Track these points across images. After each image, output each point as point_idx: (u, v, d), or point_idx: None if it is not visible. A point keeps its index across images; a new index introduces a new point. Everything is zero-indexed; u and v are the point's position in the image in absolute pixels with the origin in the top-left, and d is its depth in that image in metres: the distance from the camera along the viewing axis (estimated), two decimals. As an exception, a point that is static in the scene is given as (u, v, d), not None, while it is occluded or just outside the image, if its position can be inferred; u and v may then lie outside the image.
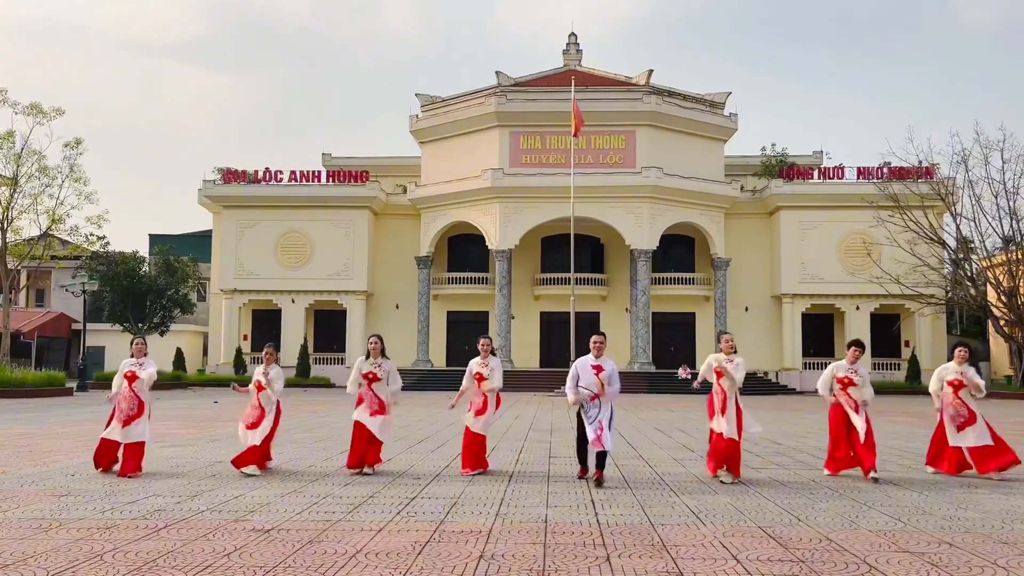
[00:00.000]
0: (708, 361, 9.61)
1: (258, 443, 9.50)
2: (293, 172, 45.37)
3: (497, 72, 44.86)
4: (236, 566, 5.20)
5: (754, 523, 6.69)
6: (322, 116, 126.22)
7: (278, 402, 9.85)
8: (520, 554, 5.55)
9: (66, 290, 40.40)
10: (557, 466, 10.40)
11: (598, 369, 8.83)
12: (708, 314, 44.99)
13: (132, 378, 9.54)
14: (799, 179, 44.73)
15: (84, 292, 35.89)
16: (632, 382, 40.08)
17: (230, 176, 45.18)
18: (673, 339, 45.03)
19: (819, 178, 45.02)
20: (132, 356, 9.73)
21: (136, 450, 9.35)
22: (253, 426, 9.53)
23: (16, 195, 29.14)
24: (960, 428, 9.52)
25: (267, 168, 45.26)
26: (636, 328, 42.69)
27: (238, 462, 9.45)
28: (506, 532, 6.26)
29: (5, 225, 29.33)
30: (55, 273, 49.23)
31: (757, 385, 40.43)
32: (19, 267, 32.67)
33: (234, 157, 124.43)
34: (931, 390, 9.89)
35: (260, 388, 9.67)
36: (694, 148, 44.31)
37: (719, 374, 9.27)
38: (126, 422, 9.31)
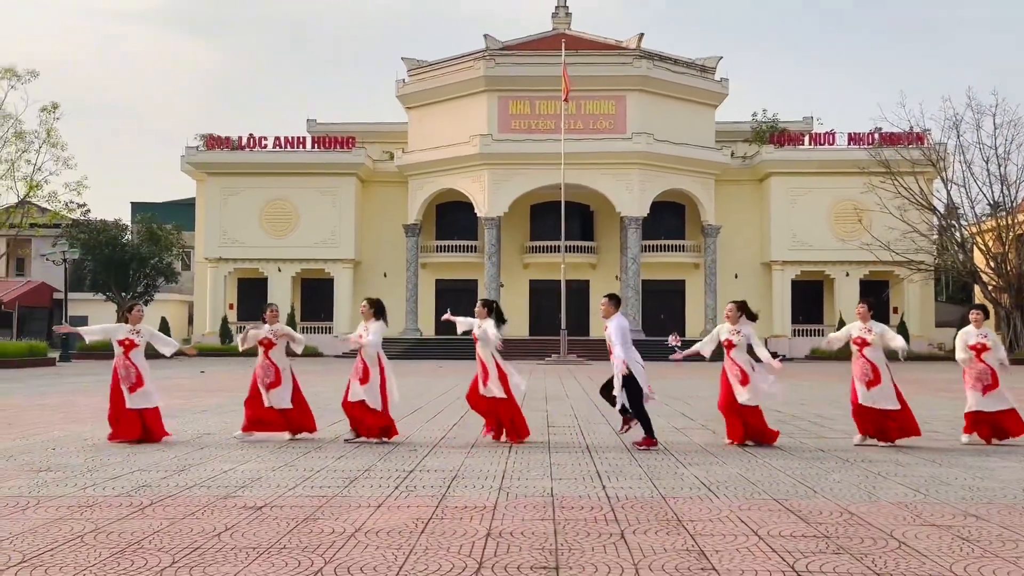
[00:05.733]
0: (716, 331, 9.53)
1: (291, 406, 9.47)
2: (277, 138, 44.56)
3: (485, 35, 44.04)
4: (227, 547, 4.86)
5: (768, 495, 6.42)
6: (306, 81, 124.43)
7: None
8: (529, 531, 5.24)
9: (47, 259, 39.63)
10: (557, 435, 10.11)
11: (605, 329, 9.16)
12: (698, 281, 44.80)
13: (131, 346, 9.26)
14: (790, 145, 44.37)
15: (65, 261, 35.20)
16: (622, 350, 39.97)
17: (213, 143, 44.34)
18: (663, 307, 44.85)
19: (810, 144, 44.67)
20: (128, 323, 9.43)
21: (154, 415, 9.41)
22: (273, 385, 9.40)
23: (-8, 161, 28.38)
24: (985, 392, 9.28)
25: (251, 134, 44.44)
26: (626, 296, 42.40)
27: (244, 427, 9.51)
28: (512, 507, 5.95)
29: (-18, 192, 28.57)
30: (35, 242, 48.36)
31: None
32: (-3, 235, 31.96)
33: (217, 124, 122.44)
34: (958, 358, 9.57)
35: (269, 346, 9.49)
36: (685, 114, 43.80)
37: (729, 345, 9.31)
38: (132, 389, 9.21)
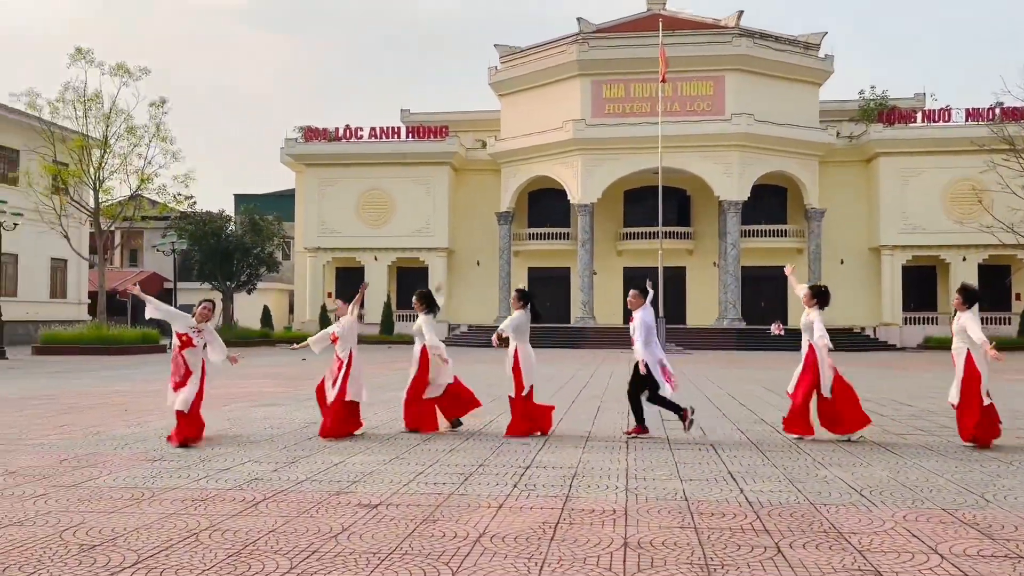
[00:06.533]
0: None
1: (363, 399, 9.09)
2: (373, 129, 44.96)
3: (578, 19, 43.24)
4: (346, 551, 4.53)
5: (933, 503, 5.71)
6: (401, 72, 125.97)
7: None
8: (671, 541, 4.73)
9: (157, 250, 41.20)
10: (675, 430, 9.53)
11: (631, 319, 9.02)
12: (801, 267, 42.92)
13: (187, 343, 8.42)
14: (900, 123, 41.96)
15: (174, 251, 36.42)
16: (721, 339, 38.79)
17: (311, 134, 45.09)
18: (764, 294, 43.25)
19: (923, 121, 42.12)
20: (194, 318, 8.52)
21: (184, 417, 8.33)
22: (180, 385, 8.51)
23: (106, 156, 29.43)
24: None
25: (347, 126, 44.99)
26: (725, 282, 41.17)
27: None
28: (645, 512, 5.45)
29: (97, 186, 29.71)
30: (147, 233, 50.41)
31: (853, 341, 38.60)
32: (112, 228, 33.26)
33: (315, 117, 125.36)
34: None
35: (335, 341, 9.12)
36: (787, 93, 41.99)
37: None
38: (176, 387, 8.37)
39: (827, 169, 42.65)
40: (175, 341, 8.49)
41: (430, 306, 9.51)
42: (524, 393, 9.04)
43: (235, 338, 37.70)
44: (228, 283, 40.06)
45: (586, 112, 41.53)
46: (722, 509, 5.54)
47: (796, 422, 8.74)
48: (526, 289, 9.75)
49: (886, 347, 39.36)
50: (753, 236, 42.74)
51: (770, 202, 43.73)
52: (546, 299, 45.55)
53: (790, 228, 43.54)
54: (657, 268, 36.33)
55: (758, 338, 37.03)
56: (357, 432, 8.99)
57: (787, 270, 9.87)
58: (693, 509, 5.53)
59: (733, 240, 40.92)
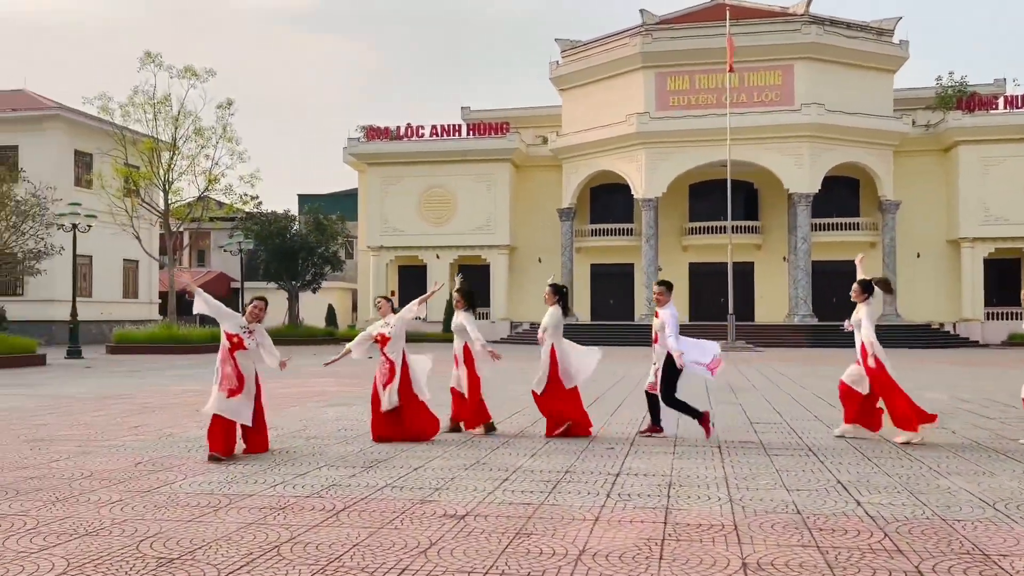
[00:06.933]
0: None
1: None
2: (434, 127, 44.97)
3: (641, 10, 42.41)
4: (438, 569, 4.17)
5: (1082, 521, 5.10)
6: (460, 70, 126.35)
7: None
8: (794, 562, 4.26)
9: (224, 250, 41.82)
10: (768, 434, 8.98)
11: (656, 316, 8.63)
12: (875, 261, 41.43)
13: (238, 345, 7.49)
14: (981, 110, 40.17)
15: (241, 251, 36.90)
16: (792, 336, 37.61)
17: (373, 133, 45.31)
18: (835, 289, 41.79)
19: (1005, 108, 40.26)
20: (245, 317, 7.65)
21: (246, 431, 7.67)
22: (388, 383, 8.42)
23: (175, 158, 29.92)
24: None
25: (408, 124, 45.09)
26: (795, 278, 39.99)
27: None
28: (757, 527, 4.97)
29: (167, 187, 30.23)
30: (214, 234, 51.35)
31: (932, 337, 37.09)
32: (181, 229, 33.83)
33: (377, 116, 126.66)
34: None
35: (384, 342, 8.60)
36: (859, 81, 40.54)
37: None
38: (230, 394, 7.44)
39: (902, 159, 41.08)
40: (224, 343, 7.52)
41: (471, 302, 9.23)
42: (569, 387, 8.75)
43: (300, 337, 38.08)
44: (293, 282, 40.44)
45: (650, 105, 40.77)
46: (842, 524, 5.02)
47: (902, 420, 8.20)
48: (561, 284, 9.32)
49: (967, 344, 37.73)
50: (824, 230, 41.43)
51: (842, 194, 42.31)
52: (609, 296, 44.99)
53: (863, 221, 42.07)
54: (726, 263, 35.50)
55: (832, 335, 35.78)
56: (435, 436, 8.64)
57: (857, 259, 9.39)
58: (809, 524, 5.03)
59: (803, 234, 39.71)
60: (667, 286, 8.70)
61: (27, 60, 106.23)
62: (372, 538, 4.76)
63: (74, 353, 25.50)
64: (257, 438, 7.74)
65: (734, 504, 5.57)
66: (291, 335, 38.11)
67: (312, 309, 46.44)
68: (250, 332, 7.56)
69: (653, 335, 8.57)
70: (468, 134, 45.05)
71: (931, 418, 8.14)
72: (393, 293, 45.77)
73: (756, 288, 42.89)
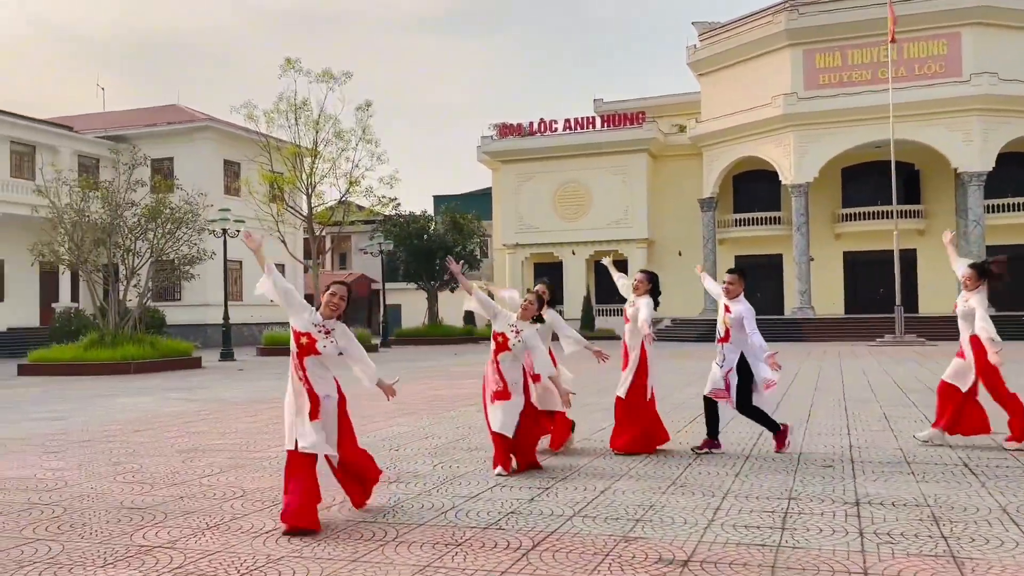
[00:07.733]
0: None
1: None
2: (567, 121, 44.05)
3: (785, -15, 39.87)
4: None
5: None
6: (592, 62, 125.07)
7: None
8: None
9: (364, 252, 42.39)
10: (928, 451, 7.43)
11: (726, 310, 7.28)
12: (1059, 245, 37.33)
13: (309, 348, 5.18)
14: None
15: (381, 253, 37.19)
16: (966, 328, 34.23)
17: (506, 130, 44.85)
18: (1016, 275, 37.93)
19: None
20: (319, 313, 5.25)
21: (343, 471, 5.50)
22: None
23: (317, 161, 30.30)
24: None
25: (541, 119, 44.35)
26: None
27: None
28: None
29: (310, 192, 30.66)
30: (354, 237, 52.39)
31: None
32: (324, 232, 34.34)
33: (509, 114, 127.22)
34: None
35: (500, 347, 6.81)
36: (1036, 46, 36.56)
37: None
38: (312, 416, 5.20)
39: (1092, 130, 36.74)
40: (292, 347, 5.27)
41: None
42: (648, 397, 7.51)
43: (440, 336, 38.03)
44: (432, 282, 40.49)
45: (797, 85, 38.27)
46: None
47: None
48: (654, 272, 8.02)
49: None
50: (998, 212, 37.66)
51: (1019, 172, 38.33)
52: (756, 289, 42.60)
53: (1044, 200, 37.97)
54: (884, 251, 32.81)
55: (1009, 326, 32.31)
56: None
57: (946, 239, 8.03)
58: None
59: (975, 216, 36.18)
60: (742, 275, 7.50)
61: (179, 77, 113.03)
62: (579, 593, 3.76)
63: (227, 355, 26.14)
64: (352, 485, 5.51)
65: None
66: (431, 334, 38.25)
67: (451, 310, 46.49)
68: (325, 331, 5.21)
69: (723, 331, 7.27)
70: (602, 126, 43.86)
71: None
72: (528, 291, 45.25)
73: (919, 277, 39.53)
